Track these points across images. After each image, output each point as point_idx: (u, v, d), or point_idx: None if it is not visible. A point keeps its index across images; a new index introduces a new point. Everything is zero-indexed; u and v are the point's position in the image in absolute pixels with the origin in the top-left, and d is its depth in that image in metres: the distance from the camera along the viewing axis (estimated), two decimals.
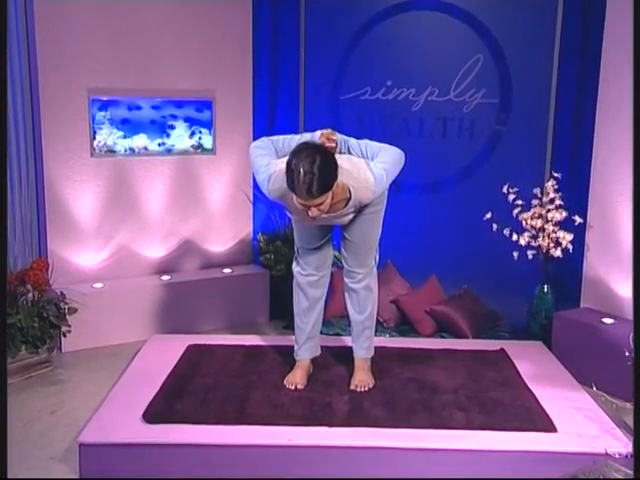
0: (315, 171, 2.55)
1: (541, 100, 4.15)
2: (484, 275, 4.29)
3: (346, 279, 3.18)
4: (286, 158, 2.68)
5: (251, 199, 4.67)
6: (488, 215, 3.91)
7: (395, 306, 4.24)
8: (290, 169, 2.60)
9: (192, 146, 4.47)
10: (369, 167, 2.81)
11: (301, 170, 2.55)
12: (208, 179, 4.56)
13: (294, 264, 3.23)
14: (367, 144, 2.97)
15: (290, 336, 3.48)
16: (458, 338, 3.99)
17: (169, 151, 4.39)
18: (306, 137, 2.99)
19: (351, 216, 2.93)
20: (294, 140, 2.98)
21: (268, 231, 4.58)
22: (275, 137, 3.04)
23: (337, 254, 3.35)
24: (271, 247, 4.45)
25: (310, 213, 2.67)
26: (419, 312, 4.16)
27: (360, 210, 2.93)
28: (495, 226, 3.90)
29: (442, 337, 4.06)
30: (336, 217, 2.88)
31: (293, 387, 3.12)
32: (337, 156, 2.73)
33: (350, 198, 2.78)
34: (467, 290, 4.28)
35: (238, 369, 3.35)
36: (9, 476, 2.44)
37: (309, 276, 3.17)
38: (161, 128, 4.34)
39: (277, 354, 3.52)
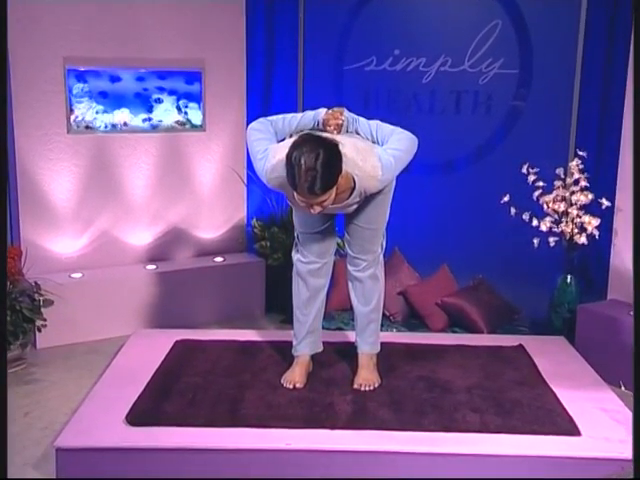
0: (318, 168, 2.51)
1: (565, 71, 4.11)
2: (501, 264, 4.28)
3: (350, 267, 3.17)
4: (286, 142, 2.65)
5: (245, 181, 4.65)
6: (506, 198, 3.90)
7: (403, 298, 4.25)
8: (290, 163, 2.55)
9: (179, 122, 4.45)
10: (377, 154, 2.77)
11: (303, 166, 2.51)
12: (197, 158, 4.55)
13: (294, 251, 3.23)
14: (378, 125, 2.95)
15: (288, 331, 3.48)
16: (472, 333, 4.01)
17: (154, 127, 4.37)
18: (308, 115, 2.98)
19: (356, 206, 2.92)
20: (295, 119, 2.96)
21: (263, 216, 4.58)
22: (274, 117, 3.01)
23: (340, 240, 3.34)
24: (267, 233, 4.45)
25: (312, 211, 2.65)
26: (429, 305, 4.17)
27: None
28: (513, 210, 3.89)
29: (454, 332, 4.07)
30: (340, 208, 2.87)
31: (291, 386, 3.12)
32: (340, 143, 2.68)
33: (355, 187, 2.76)
34: (482, 280, 4.28)
35: (231, 367, 3.35)
36: None
37: (310, 264, 3.15)
38: (145, 102, 4.32)
39: (274, 350, 3.52)
